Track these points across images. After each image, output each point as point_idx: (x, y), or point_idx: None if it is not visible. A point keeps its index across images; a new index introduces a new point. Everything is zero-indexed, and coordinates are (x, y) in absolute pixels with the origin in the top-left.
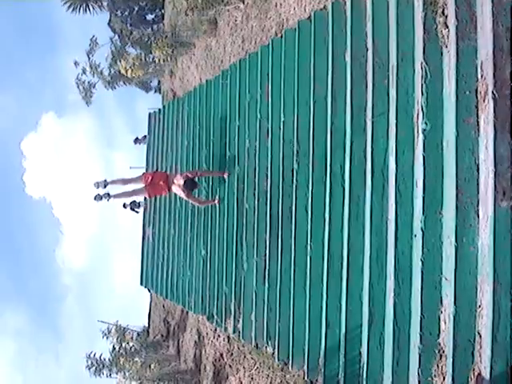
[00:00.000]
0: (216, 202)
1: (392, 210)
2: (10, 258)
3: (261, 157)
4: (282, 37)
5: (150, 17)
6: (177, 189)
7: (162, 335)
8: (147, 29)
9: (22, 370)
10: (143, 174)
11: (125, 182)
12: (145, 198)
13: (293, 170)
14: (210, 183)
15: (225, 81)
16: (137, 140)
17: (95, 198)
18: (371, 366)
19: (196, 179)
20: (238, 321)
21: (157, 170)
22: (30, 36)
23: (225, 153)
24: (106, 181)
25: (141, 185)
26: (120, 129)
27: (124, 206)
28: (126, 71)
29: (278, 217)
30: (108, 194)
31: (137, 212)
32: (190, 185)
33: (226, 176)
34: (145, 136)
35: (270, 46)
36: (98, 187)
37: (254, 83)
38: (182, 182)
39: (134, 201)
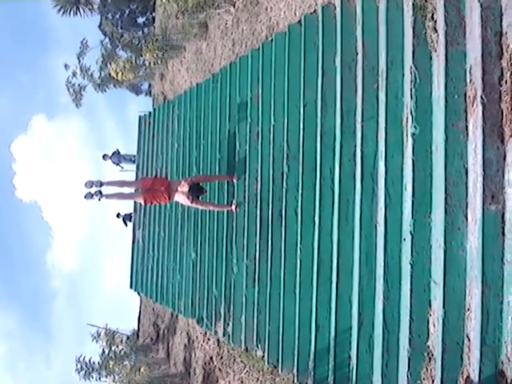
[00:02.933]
0: (233, 207)
1: (381, 214)
2: (0, 261)
3: (251, 160)
4: (272, 40)
5: (140, 20)
6: (180, 196)
7: (152, 338)
8: (138, 32)
9: (11, 371)
10: (142, 178)
11: (122, 184)
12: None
13: (283, 173)
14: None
15: (215, 84)
16: (105, 157)
17: (86, 196)
18: (360, 369)
19: (202, 184)
20: (228, 324)
21: (156, 175)
22: (21, 37)
23: (215, 156)
24: (100, 181)
25: (138, 188)
26: (110, 131)
27: (118, 215)
28: (117, 74)
29: (268, 220)
30: (100, 192)
31: (126, 225)
32: (195, 191)
33: (235, 180)
34: (115, 153)
35: (261, 49)
36: (90, 187)
37: (245, 87)
38: (186, 188)
39: (130, 214)
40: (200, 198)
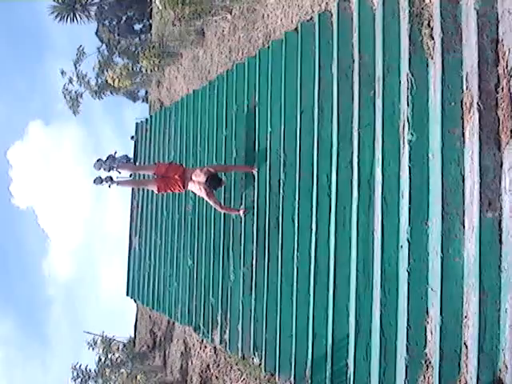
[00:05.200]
0: (241, 212)
1: (378, 221)
2: None
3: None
4: (268, 48)
5: (137, 27)
6: (195, 186)
7: (149, 346)
8: (135, 39)
9: (8, 377)
10: (156, 163)
11: (135, 169)
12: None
13: (279, 180)
14: None
15: (212, 91)
16: (99, 161)
17: (95, 181)
18: (358, 377)
19: (220, 175)
20: (225, 332)
21: (172, 161)
22: (18, 43)
23: (212, 163)
24: (111, 164)
25: (151, 173)
26: (107, 138)
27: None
28: (114, 81)
29: (264, 227)
30: (111, 178)
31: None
32: (213, 182)
33: (254, 171)
34: (110, 156)
35: (257, 56)
36: (99, 169)
37: (241, 94)
38: (203, 178)
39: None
40: (216, 192)
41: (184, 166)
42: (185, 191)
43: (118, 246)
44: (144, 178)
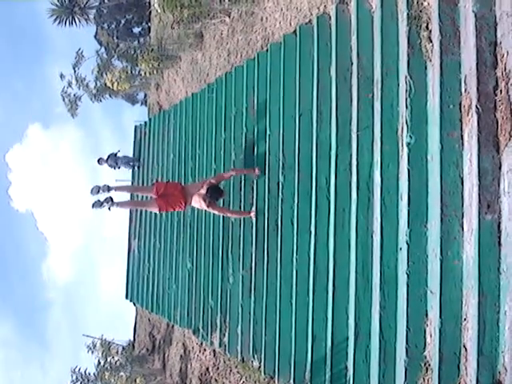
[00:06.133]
0: (252, 214)
1: (377, 223)
2: None
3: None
4: (267, 50)
5: (136, 30)
6: (196, 200)
7: (148, 349)
8: (133, 42)
9: (7, 378)
10: (154, 183)
11: (132, 190)
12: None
13: (278, 183)
14: None
15: (211, 94)
16: (100, 160)
17: (94, 205)
18: (357, 380)
19: (221, 186)
20: (224, 334)
21: (169, 180)
22: (17, 46)
23: (210, 166)
24: (108, 186)
25: (150, 195)
26: (106, 141)
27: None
28: (112, 84)
29: (263, 229)
30: (111, 199)
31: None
32: (213, 193)
33: (257, 173)
34: (111, 155)
35: (256, 59)
36: (97, 193)
37: (240, 96)
38: (204, 190)
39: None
40: (218, 203)
41: (182, 184)
42: (185, 208)
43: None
44: (143, 199)
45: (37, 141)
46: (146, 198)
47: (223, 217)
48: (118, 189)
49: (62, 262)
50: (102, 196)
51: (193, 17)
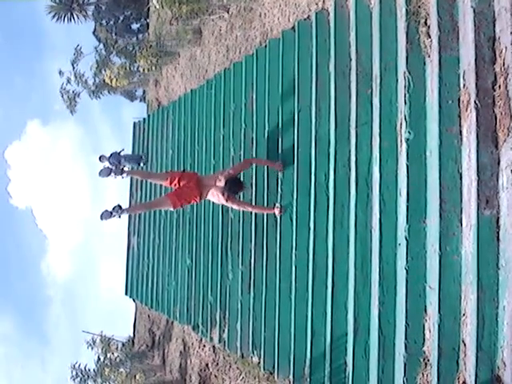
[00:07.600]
0: (276, 210)
1: (376, 219)
2: None
3: None
4: (266, 46)
5: (134, 26)
6: (213, 193)
7: (147, 345)
8: (132, 38)
9: (7, 374)
10: (168, 172)
11: (145, 175)
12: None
13: (277, 179)
14: None
15: (209, 90)
16: (102, 158)
17: (102, 216)
18: (356, 375)
19: (241, 178)
20: (224, 330)
21: (184, 169)
22: (16, 42)
23: (209, 162)
24: (119, 206)
25: (163, 183)
26: (105, 137)
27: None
28: (111, 80)
29: (263, 226)
30: (119, 207)
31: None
32: (232, 185)
33: (280, 168)
34: (113, 153)
35: (255, 55)
36: (109, 217)
37: (239, 92)
38: (222, 182)
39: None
40: (238, 196)
41: (198, 174)
42: (201, 201)
43: (116, 246)
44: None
45: (36, 137)
46: (148, 195)
47: (222, 213)
48: (130, 173)
49: (61, 259)
50: (110, 207)
51: (191, 13)
